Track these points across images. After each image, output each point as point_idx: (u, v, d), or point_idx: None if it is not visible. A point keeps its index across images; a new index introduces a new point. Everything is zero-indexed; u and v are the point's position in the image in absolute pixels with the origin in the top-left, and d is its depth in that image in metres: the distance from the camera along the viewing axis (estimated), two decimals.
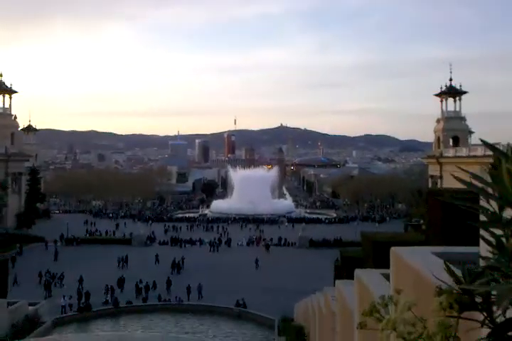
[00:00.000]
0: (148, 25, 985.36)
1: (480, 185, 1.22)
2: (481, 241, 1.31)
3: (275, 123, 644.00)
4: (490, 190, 1.20)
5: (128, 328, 33.53)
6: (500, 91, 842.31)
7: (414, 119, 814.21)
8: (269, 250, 62.85)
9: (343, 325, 10.36)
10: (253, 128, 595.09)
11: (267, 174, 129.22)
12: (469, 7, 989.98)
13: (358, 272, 7.85)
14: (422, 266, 4.12)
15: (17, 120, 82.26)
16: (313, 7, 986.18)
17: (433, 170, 71.81)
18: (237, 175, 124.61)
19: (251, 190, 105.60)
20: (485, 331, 1.17)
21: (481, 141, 1.48)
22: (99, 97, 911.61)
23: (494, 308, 1.15)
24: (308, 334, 25.12)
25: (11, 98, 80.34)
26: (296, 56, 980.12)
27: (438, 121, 74.78)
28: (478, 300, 1.18)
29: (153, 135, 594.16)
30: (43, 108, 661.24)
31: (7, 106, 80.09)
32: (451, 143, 71.95)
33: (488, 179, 1.20)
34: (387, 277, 6.35)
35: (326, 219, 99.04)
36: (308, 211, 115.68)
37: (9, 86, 79.26)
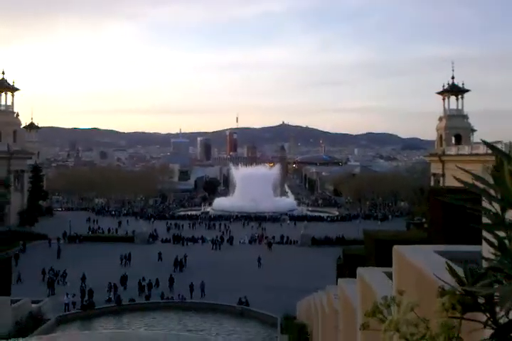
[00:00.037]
0: (149, 24, 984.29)
1: (482, 186, 1.23)
2: (484, 243, 1.32)
3: (277, 121, 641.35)
4: (492, 192, 1.21)
5: (131, 326, 33.62)
6: (501, 91, 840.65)
7: (416, 117, 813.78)
8: (271, 248, 62.79)
9: (345, 323, 10.37)
10: (255, 126, 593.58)
11: (268, 172, 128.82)
12: (469, 7, 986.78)
13: (360, 270, 7.86)
14: (424, 265, 4.11)
15: (19, 117, 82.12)
16: (314, 6, 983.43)
17: (435, 168, 71.62)
18: (239, 173, 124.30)
19: (253, 187, 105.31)
20: (488, 332, 1.17)
21: (483, 141, 1.48)
22: (101, 95, 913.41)
23: (497, 309, 1.15)
24: (311, 332, 25.15)
25: (13, 96, 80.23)
26: (297, 55, 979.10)
27: (440, 119, 74.53)
28: (481, 301, 1.18)
29: (155, 133, 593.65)
30: (45, 105, 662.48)
31: (9, 103, 79.91)
32: (453, 141, 71.73)
33: (490, 180, 1.21)
34: (389, 275, 6.35)
35: (328, 217, 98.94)
36: (310, 209, 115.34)
37: (11, 83, 79.26)
